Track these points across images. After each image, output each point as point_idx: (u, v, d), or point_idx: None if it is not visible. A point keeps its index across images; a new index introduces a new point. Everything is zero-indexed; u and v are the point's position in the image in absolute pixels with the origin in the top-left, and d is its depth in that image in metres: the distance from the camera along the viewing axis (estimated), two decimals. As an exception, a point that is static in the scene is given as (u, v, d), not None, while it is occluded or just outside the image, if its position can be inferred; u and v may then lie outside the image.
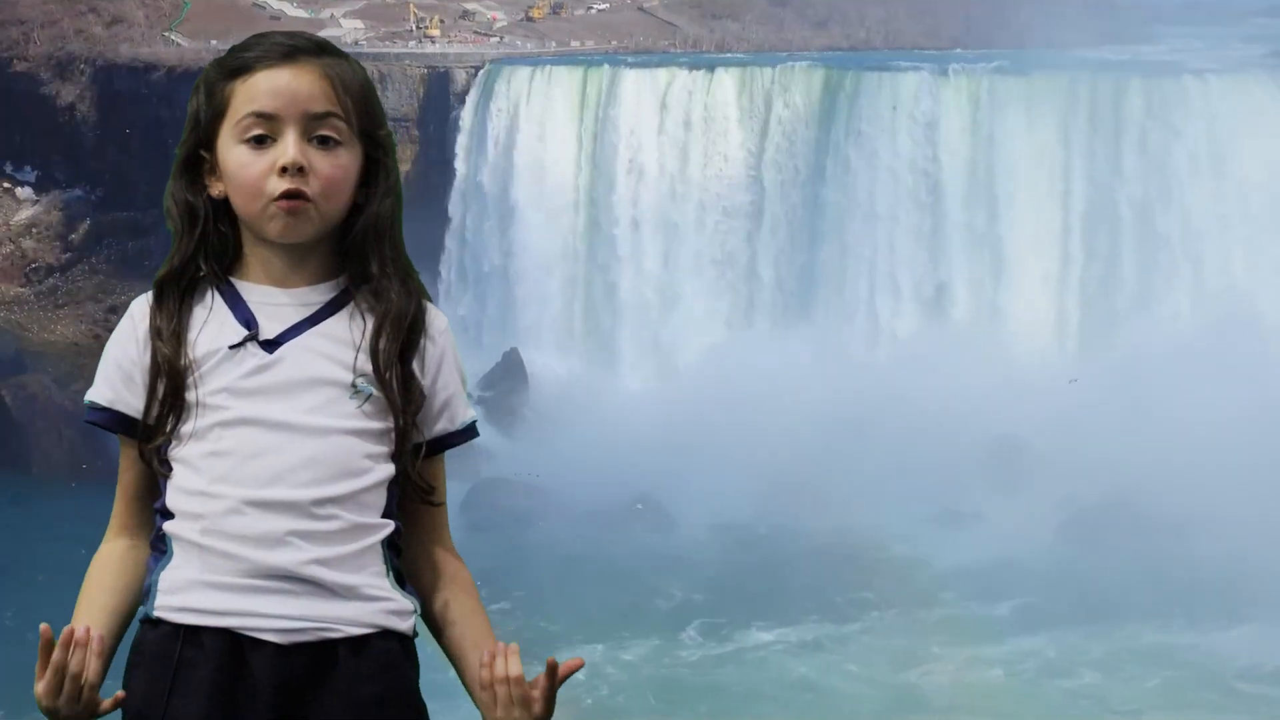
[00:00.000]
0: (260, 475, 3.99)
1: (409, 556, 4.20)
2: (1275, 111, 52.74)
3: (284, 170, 3.96)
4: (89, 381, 4.23)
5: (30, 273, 61.01)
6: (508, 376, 53.07)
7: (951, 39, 66.66)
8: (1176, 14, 73.91)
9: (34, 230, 61.66)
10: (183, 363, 4.04)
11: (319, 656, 3.98)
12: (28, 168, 62.72)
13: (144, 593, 4.08)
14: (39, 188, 62.44)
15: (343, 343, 4.08)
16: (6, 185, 62.56)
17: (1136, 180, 52.81)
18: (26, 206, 62.27)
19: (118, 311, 37.23)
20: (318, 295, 4.10)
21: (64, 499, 45.39)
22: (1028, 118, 53.71)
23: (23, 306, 60.16)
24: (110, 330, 4.23)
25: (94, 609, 4.07)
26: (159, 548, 4.09)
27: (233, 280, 4.11)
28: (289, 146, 3.97)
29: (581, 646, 39.02)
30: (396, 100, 57.43)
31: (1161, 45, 66.48)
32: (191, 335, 4.06)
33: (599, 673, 38.21)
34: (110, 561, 4.13)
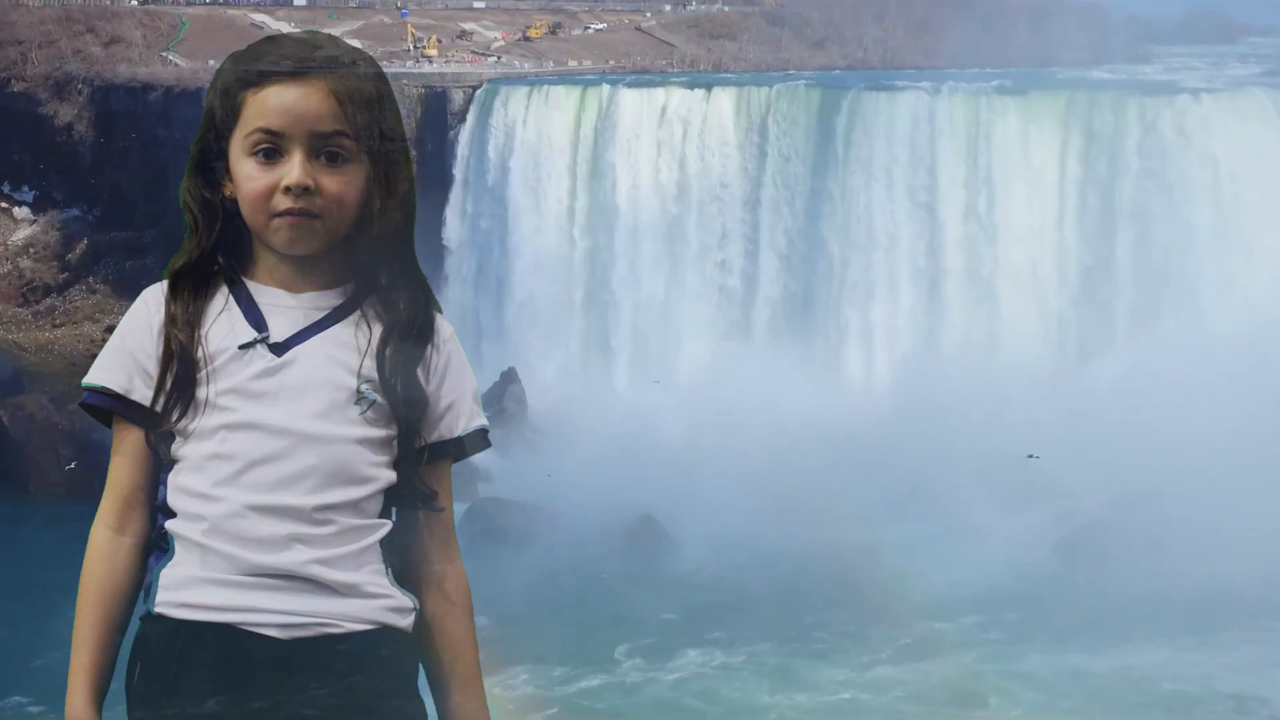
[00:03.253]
0: (264, 481, 4.01)
1: (410, 562, 4.20)
2: (1271, 129, 52.84)
3: (288, 190, 4.00)
4: None
5: (28, 292, 60.99)
6: (506, 395, 53.06)
7: (949, 58, 66.76)
8: (1172, 34, 74.28)
9: (32, 250, 61.66)
10: (197, 354, 4.06)
11: (319, 651, 4.00)
12: (25, 187, 62.74)
13: (144, 589, 4.09)
14: (36, 207, 62.45)
15: (349, 349, 4.10)
16: (4, 205, 62.57)
17: (1133, 198, 52.89)
18: (24, 226, 62.28)
19: (115, 330, 37.07)
20: (325, 301, 4.13)
21: (60, 517, 45.33)
22: (1025, 136, 53.80)
23: (20, 326, 60.12)
24: None
25: (94, 619, 4.08)
26: (160, 545, 4.10)
27: (245, 280, 4.14)
28: (294, 168, 4.00)
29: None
30: (394, 119, 57.51)
31: (1157, 65, 66.81)
32: (204, 329, 4.09)
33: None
34: (107, 562, 4.13)
